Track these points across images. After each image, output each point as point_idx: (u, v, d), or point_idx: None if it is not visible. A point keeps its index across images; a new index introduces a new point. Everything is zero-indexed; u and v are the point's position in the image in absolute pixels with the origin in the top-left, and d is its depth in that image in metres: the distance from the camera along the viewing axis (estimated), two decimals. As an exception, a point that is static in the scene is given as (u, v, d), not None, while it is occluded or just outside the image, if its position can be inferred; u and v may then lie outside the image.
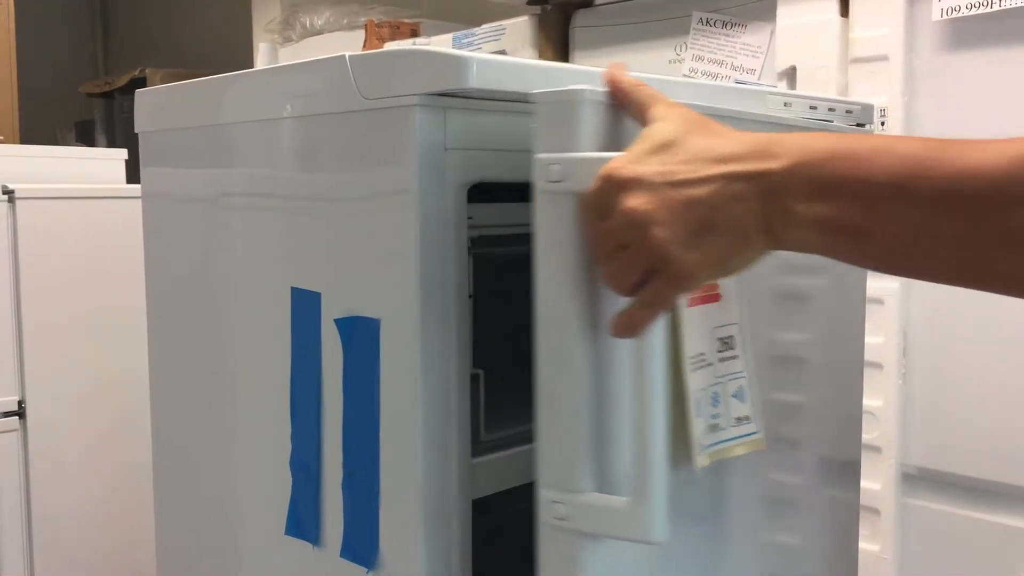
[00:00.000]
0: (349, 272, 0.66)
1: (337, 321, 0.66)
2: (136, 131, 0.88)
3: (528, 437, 0.72)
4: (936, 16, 1.26)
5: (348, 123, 0.64)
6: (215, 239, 0.80)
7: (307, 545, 0.71)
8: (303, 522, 0.70)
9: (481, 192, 0.66)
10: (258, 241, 0.75)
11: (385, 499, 0.64)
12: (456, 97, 0.61)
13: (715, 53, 1.57)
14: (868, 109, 0.89)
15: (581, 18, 1.75)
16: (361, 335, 0.64)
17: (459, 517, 0.64)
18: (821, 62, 1.39)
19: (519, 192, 0.70)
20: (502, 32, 1.86)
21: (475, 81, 0.57)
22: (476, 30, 1.89)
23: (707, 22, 1.58)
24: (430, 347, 0.61)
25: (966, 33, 1.25)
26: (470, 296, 0.65)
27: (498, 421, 0.70)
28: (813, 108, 0.82)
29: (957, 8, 1.25)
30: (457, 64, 0.57)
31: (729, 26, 1.55)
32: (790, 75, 1.43)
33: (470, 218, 0.66)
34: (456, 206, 0.62)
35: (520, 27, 1.82)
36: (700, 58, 1.59)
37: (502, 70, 0.60)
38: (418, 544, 0.61)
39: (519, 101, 0.65)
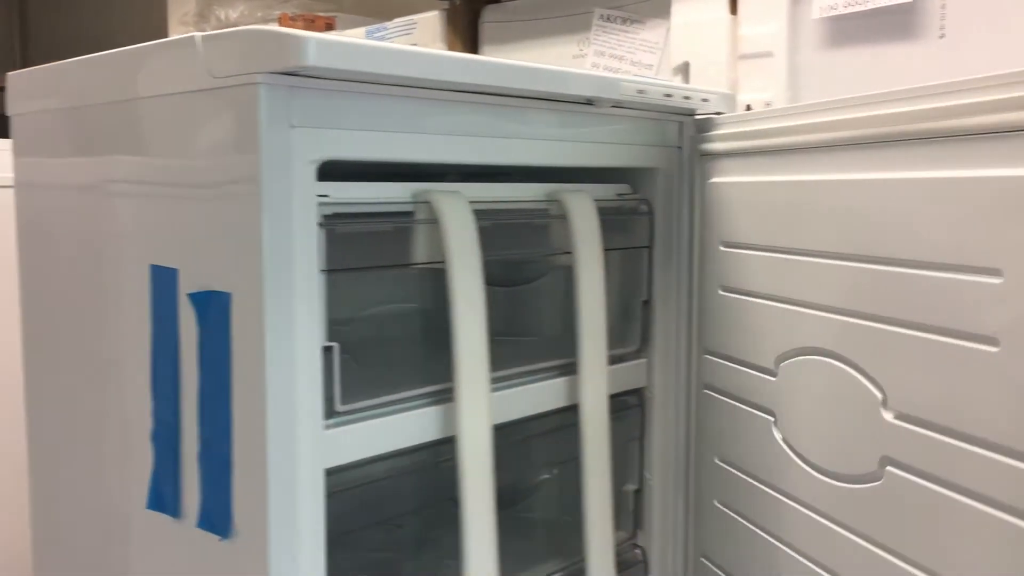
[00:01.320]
0: (203, 247, 0.67)
1: (191, 295, 0.67)
2: (7, 114, 0.88)
3: (390, 408, 0.74)
4: (816, 14, 1.31)
5: (198, 102, 0.66)
6: (81, 224, 0.81)
7: (167, 518, 0.72)
8: (163, 495, 0.72)
9: (349, 172, 0.68)
10: (121, 223, 0.76)
11: (238, 469, 0.65)
12: (305, 77, 0.63)
13: (615, 49, 1.62)
14: (727, 99, 0.93)
15: (489, 14, 1.78)
16: (214, 309, 0.66)
17: (309, 485, 0.66)
18: (712, 58, 1.44)
19: (382, 171, 0.73)
20: (413, 27, 1.88)
21: (314, 60, 0.59)
22: (388, 24, 1.91)
23: (607, 18, 1.62)
24: (277, 320, 0.63)
25: (844, 30, 1.31)
26: (323, 271, 0.67)
27: (357, 392, 0.72)
28: (668, 96, 0.85)
29: (835, 7, 1.31)
30: (296, 43, 0.59)
31: (628, 23, 1.60)
32: (684, 70, 1.48)
33: (325, 195, 0.68)
34: (304, 183, 0.64)
35: (430, 22, 1.84)
36: (602, 53, 1.63)
37: (344, 50, 0.62)
38: (266, 512, 0.63)
39: (370, 82, 0.67)
